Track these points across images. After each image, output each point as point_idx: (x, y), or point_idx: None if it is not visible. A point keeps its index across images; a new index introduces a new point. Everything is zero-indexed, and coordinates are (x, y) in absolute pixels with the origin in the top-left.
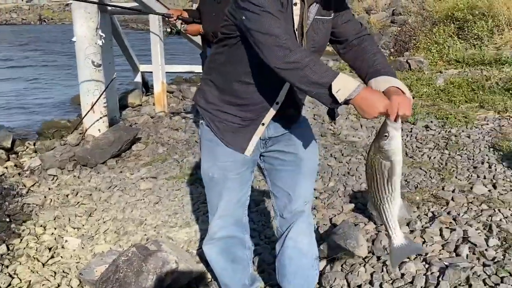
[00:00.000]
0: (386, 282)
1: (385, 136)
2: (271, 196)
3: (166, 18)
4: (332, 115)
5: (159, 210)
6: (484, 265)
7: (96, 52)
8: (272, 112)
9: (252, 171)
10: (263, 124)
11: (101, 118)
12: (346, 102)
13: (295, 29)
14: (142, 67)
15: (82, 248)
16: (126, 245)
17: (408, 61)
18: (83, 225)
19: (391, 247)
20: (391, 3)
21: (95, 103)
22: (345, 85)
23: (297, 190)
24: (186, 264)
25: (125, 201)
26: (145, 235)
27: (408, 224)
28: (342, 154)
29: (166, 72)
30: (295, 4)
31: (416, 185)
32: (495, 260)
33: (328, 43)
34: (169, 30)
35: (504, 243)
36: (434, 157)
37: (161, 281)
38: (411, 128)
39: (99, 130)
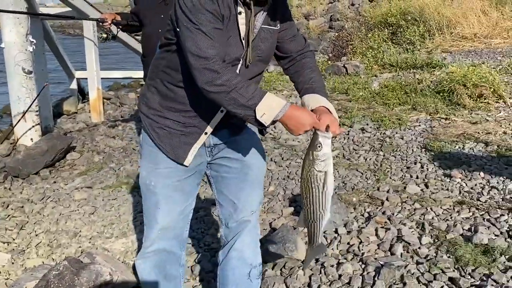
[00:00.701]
0: (324, 284)
1: (318, 146)
2: (217, 205)
3: (101, 23)
4: (261, 132)
5: (94, 221)
6: (417, 263)
7: (27, 58)
8: (216, 120)
9: (197, 182)
10: (206, 133)
11: (33, 126)
12: (274, 122)
13: (241, 38)
14: (78, 74)
15: (12, 263)
16: (59, 258)
17: (345, 65)
18: (14, 239)
19: (309, 252)
20: (329, 9)
21: (26, 111)
22: (270, 107)
23: (243, 198)
24: (121, 275)
25: (58, 213)
26: (80, 247)
27: (345, 225)
28: (282, 158)
29: (103, 78)
30: (240, 13)
31: (352, 187)
32: (428, 258)
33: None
34: (104, 35)
35: (436, 240)
36: (370, 159)
37: None
38: (348, 131)
39: (31, 139)
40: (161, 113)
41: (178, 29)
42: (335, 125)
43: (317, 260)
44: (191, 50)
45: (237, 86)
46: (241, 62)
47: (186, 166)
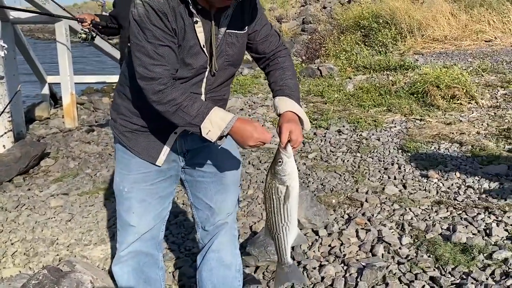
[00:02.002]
0: (307, 286)
1: (279, 162)
2: (192, 208)
3: (80, 23)
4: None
5: (71, 228)
6: (398, 263)
7: None
8: None
9: (173, 186)
10: (175, 133)
11: (5, 133)
12: (221, 137)
13: (201, 45)
14: (50, 78)
15: None
16: (37, 267)
17: (319, 68)
18: None
19: (277, 271)
20: (301, 12)
21: None
22: (215, 124)
23: (219, 202)
24: (102, 283)
25: (34, 220)
26: (58, 255)
27: (325, 227)
28: (260, 161)
29: (76, 83)
30: (196, 22)
31: (331, 188)
32: (409, 258)
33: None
34: (84, 35)
35: (416, 240)
36: (348, 160)
37: None
38: (325, 133)
39: (3, 146)
40: (129, 118)
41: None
42: (297, 133)
43: (299, 263)
44: (137, 70)
45: (182, 105)
46: (207, 69)
47: (159, 166)
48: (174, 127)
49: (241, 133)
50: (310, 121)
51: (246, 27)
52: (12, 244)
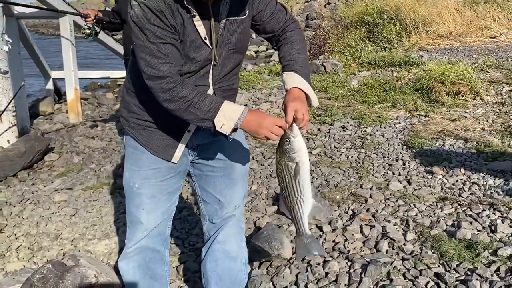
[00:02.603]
0: (311, 282)
1: (286, 141)
2: (200, 201)
3: (83, 19)
4: (226, 137)
5: (76, 222)
6: (403, 259)
7: (2, 58)
8: None
9: (181, 181)
10: (189, 131)
11: (10, 128)
12: (235, 130)
13: (203, 38)
14: (54, 73)
15: None
16: (41, 261)
17: (324, 64)
18: None
19: (297, 243)
20: (305, 8)
21: (2, 112)
22: (228, 117)
23: (227, 196)
24: (106, 277)
25: (38, 215)
26: (62, 249)
27: (329, 223)
28: (264, 157)
29: (80, 78)
30: (194, 16)
31: (336, 184)
32: (413, 254)
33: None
34: (88, 31)
35: (420, 236)
36: (352, 156)
37: None
38: (329, 129)
39: (8, 140)
40: (141, 116)
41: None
42: (300, 120)
43: (303, 259)
44: (144, 70)
45: (193, 101)
46: (212, 61)
47: (175, 163)
48: (187, 124)
49: (254, 123)
50: (314, 117)
51: (247, 11)
52: (16, 238)
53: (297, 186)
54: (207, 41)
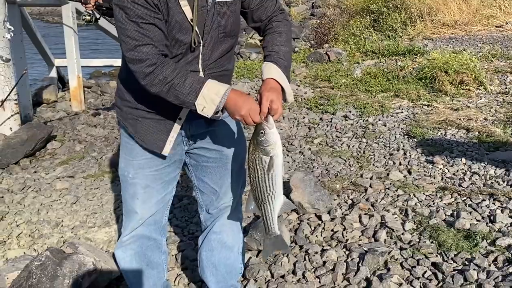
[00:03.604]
0: (308, 270)
1: (261, 133)
2: (197, 191)
3: (83, 5)
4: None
5: (76, 210)
6: (401, 248)
7: (5, 46)
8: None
9: (177, 171)
10: (180, 118)
11: (12, 115)
12: (217, 112)
13: (189, 20)
14: (57, 62)
15: None
16: (41, 249)
17: (328, 52)
18: None
19: (265, 241)
20: None
21: (4, 100)
22: (210, 99)
23: (224, 186)
24: (105, 265)
25: (40, 203)
26: (62, 237)
27: (329, 212)
28: None
29: (83, 67)
30: None
31: (336, 174)
32: (411, 243)
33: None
34: (88, 17)
35: (419, 226)
36: (353, 146)
37: (78, 285)
38: (331, 118)
39: (10, 128)
40: (133, 104)
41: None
42: (275, 111)
43: (301, 247)
44: (125, 54)
45: (174, 83)
46: (201, 44)
47: (169, 156)
48: (178, 111)
49: (234, 102)
50: (316, 106)
51: None
52: (17, 225)
53: (270, 181)
54: (194, 23)
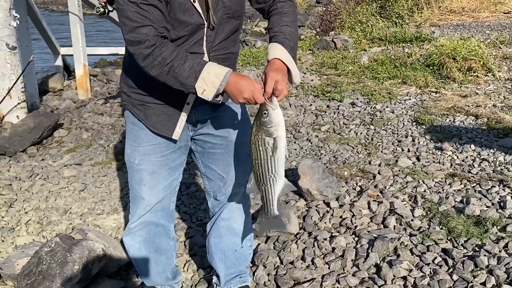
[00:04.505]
0: (317, 257)
1: (264, 113)
2: (204, 178)
3: None
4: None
5: (85, 197)
6: (410, 235)
7: (11, 34)
8: None
9: (183, 157)
10: (187, 103)
11: (19, 103)
12: (217, 95)
13: (191, 1)
14: (63, 50)
15: (2, 241)
16: (50, 235)
17: (334, 40)
18: (3, 217)
19: (263, 220)
20: None
21: (11, 88)
22: (209, 83)
23: (231, 173)
24: (114, 251)
25: (48, 190)
26: (71, 224)
27: (337, 199)
28: None
29: (89, 55)
30: None
31: (344, 161)
32: (421, 230)
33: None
34: (102, 10)
35: (428, 212)
36: (361, 133)
37: (88, 270)
38: (338, 106)
39: (17, 116)
40: (140, 90)
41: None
42: (279, 91)
43: (309, 234)
44: (125, 37)
45: (173, 65)
46: (205, 26)
47: (175, 142)
48: (185, 96)
49: (236, 86)
50: (323, 93)
51: None
52: (26, 213)
53: (273, 163)
54: (196, 4)
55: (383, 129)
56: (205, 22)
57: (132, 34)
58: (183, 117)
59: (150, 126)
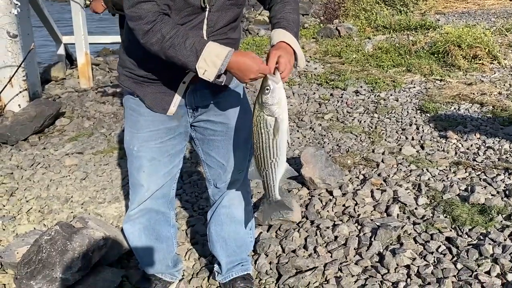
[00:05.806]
0: (320, 245)
1: (267, 89)
2: (204, 166)
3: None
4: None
5: (86, 186)
6: (414, 223)
7: (12, 22)
8: None
9: (183, 144)
10: (184, 82)
11: (20, 92)
12: (219, 76)
13: None
14: (65, 39)
15: (3, 229)
16: (51, 224)
17: (338, 28)
18: (4, 206)
19: (265, 206)
20: None
21: (12, 76)
22: (211, 61)
23: (231, 160)
24: (115, 240)
25: (49, 179)
26: (72, 212)
27: (340, 188)
28: None
29: (91, 44)
30: None
31: (347, 149)
32: (425, 218)
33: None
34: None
35: (432, 201)
36: (364, 121)
37: (88, 259)
38: (342, 94)
39: (19, 105)
40: (134, 70)
41: None
42: (284, 66)
43: (312, 222)
44: (126, 12)
45: (174, 42)
46: (207, 9)
47: (174, 128)
48: (182, 76)
49: (240, 67)
50: (327, 82)
51: None
52: (27, 201)
53: (275, 146)
54: None
55: (387, 117)
56: (207, 5)
57: (133, 9)
58: (179, 94)
59: (146, 103)
